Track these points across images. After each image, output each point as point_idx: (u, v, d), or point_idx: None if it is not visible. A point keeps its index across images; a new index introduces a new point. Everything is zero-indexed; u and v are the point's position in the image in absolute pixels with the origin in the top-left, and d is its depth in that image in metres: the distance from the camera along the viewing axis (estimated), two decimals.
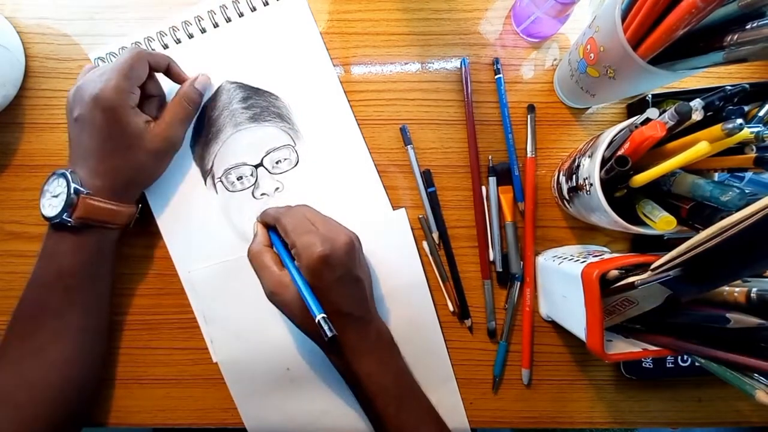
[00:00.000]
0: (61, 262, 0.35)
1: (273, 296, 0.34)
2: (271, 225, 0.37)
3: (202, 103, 0.41)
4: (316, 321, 0.30)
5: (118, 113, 0.35)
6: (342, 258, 0.33)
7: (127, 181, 0.37)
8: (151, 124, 0.37)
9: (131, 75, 0.35)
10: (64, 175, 0.35)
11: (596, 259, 0.32)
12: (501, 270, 0.41)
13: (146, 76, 0.37)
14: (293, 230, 0.34)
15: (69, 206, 0.34)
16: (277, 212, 0.36)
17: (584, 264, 0.31)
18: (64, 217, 0.34)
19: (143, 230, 0.42)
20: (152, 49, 0.41)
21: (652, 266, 0.28)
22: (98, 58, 0.42)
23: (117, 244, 0.39)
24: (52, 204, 0.35)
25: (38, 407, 0.35)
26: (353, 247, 0.34)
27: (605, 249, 0.41)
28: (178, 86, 0.40)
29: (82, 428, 0.39)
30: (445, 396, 0.41)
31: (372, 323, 0.36)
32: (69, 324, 0.36)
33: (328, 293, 0.33)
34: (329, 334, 0.30)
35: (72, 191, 0.34)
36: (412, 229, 0.41)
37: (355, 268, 0.34)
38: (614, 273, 0.30)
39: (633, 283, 0.29)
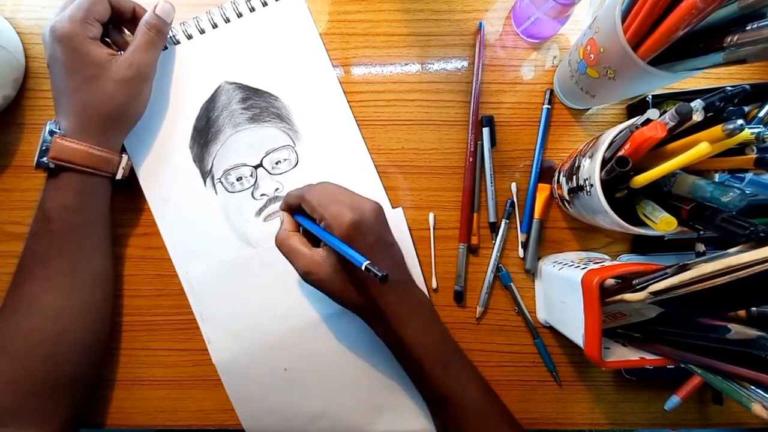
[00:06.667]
0: (45, 207, 0.36)
1: (308, 276, 0.34)
2: (295, 206, 0.37)
3: (168, 32, 0.39)
4: (363, 268, 0.29)
5: (74, 42, 0.34)
6: (372, 223, 0.33)
7: (99, 119, 0.36)
8: (115, 56, 0.36)
9: (88, 7, 0.35)
10: (47, 123, 0.36)
11: (597, 266, 0.32)
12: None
13: (107, 13, 0.37)
14: (319, 204, 0.33)
15: (45, 148, 0.35)
16: (300, 191, 0.36)
17: (585, 270, 0.31)
18: (42, 160, 0.35)
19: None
20: None
21: (651, 289, 0.27)
22: None
23: (110, 197, 0.39)
24: (37, 151, 0.36)
25: (33, 358, 0.35)
26: (381, 212, 0.35)
27: (606, 257, 0.41)
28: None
29: (86, 392, 0.39)
30: None
31: (411, 288, 0.37)
32: (58, 273, 0.36)
33: None
34: (380, 274, 0.28)
35: (47, 133, 0.35)
36: (409, 229, 0.41)
37: (386, 233, 0.35)
38: (610, 282, 0.30)
39: (627, 300, 0.28)
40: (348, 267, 0.33)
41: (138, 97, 0.38)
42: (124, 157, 0.39)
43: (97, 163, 0.36)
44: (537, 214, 0.41)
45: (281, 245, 0.36)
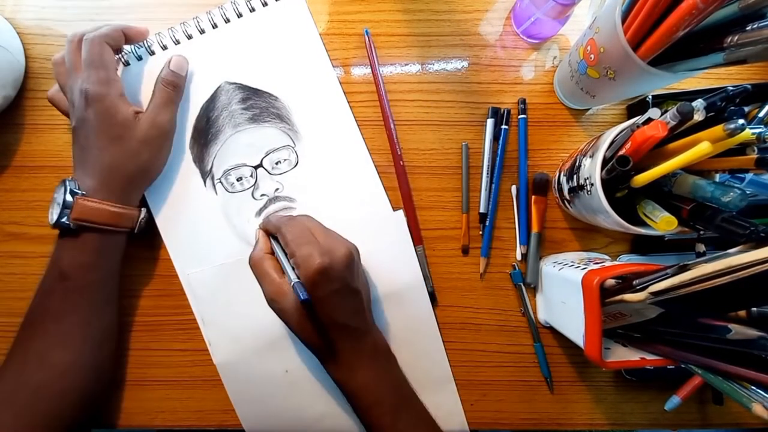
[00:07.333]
0: (61, 265, 0.35)
1: (272, 303, 0.34)
2: (272, 233, 0.37)
3: (184, 85, 0.40)
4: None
5: (107, 102, 0.35)
6: (340, 270, 0.33)
7: (123, 178, 0.37)
8: (139, 115, 0.37)
9: (106, 63, 0.35)
10: (64, 182, 0.36)
11: (597, 267, 0.32)
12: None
13: (115, 57, 0.38)
14: (293, 240, 0.34)
15: (66, 208, 0.34)
16: (278, 221, 0.36)
17: (585, 271, 0.31)
18: (62, 220, 0.35)
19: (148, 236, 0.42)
20: (150, 51, 0.41)
21: (651, 290, 0.27)
22: None
23: (124, 249, 0.39)
24: (54, 210, 0.35)
25: (38, 413, 0.34)
26: (352, 259, 0.34)
27: (606, 257, 0.41)
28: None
29: None
30: (444, 398, 0.41)
31: (368, 334, 0.36)
32: (71, 329, 0.36)
33: (325, 304, 0.33)
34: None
35: (68, 193, 0.35)
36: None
37: (353, 281, 0.34)
38: (611, 282, 0.30)
39: (627, 300, 0.28)
40: (311, 306, 0.33)
41: (159, 153, 0.39)
42: (143, 211, 0.39)
43: (117, 220, 0.36)
44: (535, 227, 0.41)
45: (254, 266, 0.35)
